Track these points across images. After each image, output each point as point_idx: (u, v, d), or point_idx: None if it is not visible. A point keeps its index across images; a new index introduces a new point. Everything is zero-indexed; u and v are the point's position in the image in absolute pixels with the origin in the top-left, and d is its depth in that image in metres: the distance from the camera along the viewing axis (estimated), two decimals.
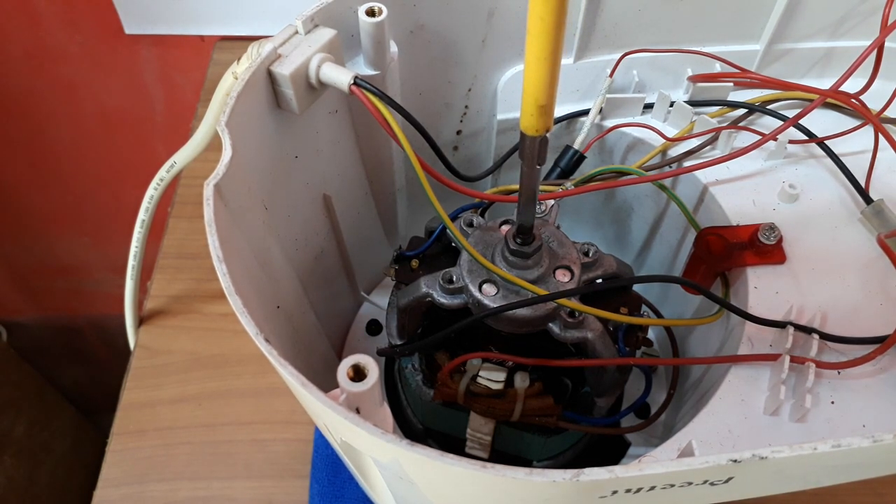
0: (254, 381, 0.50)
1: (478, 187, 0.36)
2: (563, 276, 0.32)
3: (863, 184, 0.36)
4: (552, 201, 0.36)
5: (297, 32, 0.33)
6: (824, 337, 0.31)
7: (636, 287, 0.36)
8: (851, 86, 0.35)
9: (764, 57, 0.42)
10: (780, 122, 0.37)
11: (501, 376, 0.34)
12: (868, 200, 0.35)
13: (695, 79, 0.41)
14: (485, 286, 0.31)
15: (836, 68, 0.42)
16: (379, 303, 0.50)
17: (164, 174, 0.45)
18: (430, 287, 0.33)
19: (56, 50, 0.73)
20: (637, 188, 0.43)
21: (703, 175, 0.38)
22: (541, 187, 0.37)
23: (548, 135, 0.24)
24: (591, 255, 0.34)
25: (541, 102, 0.22)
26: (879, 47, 0.35)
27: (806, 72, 0.43)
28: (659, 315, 0.41)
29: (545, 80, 0.21)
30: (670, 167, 0.39)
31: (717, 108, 0.40)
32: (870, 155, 0.36)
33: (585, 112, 0.42)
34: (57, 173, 0.88)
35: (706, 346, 0.39)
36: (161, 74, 0.76)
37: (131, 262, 0.49)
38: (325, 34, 0.33)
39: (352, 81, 0.32)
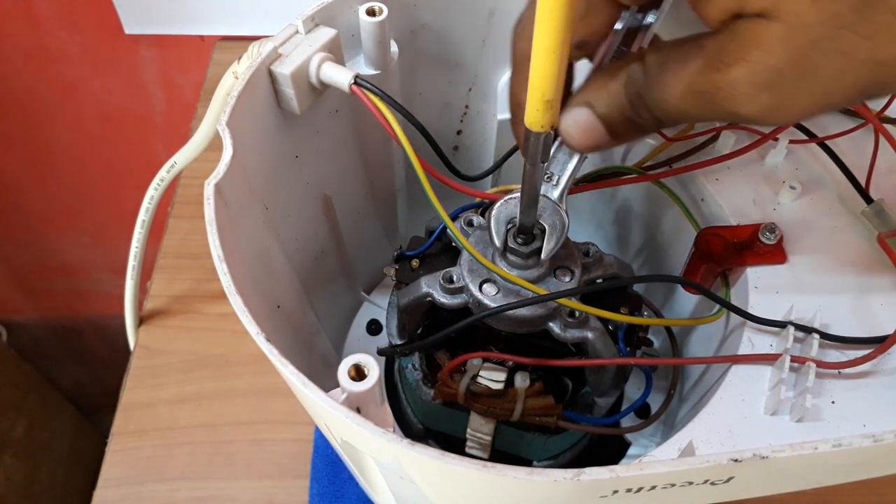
0: (254, 381, 0.50)
1: (478, 187, 0.36)
2: (563, 276, 0.32)
3: (863, 184, 0.36)
4: None
5: (297, 32, 0.33)
6: (824, 337, 0.31)
7: (636, 287, 0.36)
8: None
9: None
10: None
11: (502, 376, 0.34)
12: (868, 200, 0.35)
13: None
14: (485, 286, 0.31)
15: None
16: (379, 303, 0.50)
17: (164, 174, 0.45)
18: (430, 287, 0.33)
19: (56, 50, 0.73)
20: (637, 188, 0.43)
21: (704, 175, 0.38)
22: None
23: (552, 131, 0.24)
24: (591, 255, 0.34)
25: (547, 97, 0.22)
26: None
27: None
28: (659, 315, 0.41)
29: (553, 73, 0.21)
30: (670, 167, 0.39)
31: None
32: (870, 155, 0.36)
33: None
34: (57, 173, 0.88)
35: (706, 346, 0.39)
36: (161, 74, 0.76)
37: (131, 262, 0.49)
38: (326, 34, 0.33)
39: (352, 81, 0.32)
